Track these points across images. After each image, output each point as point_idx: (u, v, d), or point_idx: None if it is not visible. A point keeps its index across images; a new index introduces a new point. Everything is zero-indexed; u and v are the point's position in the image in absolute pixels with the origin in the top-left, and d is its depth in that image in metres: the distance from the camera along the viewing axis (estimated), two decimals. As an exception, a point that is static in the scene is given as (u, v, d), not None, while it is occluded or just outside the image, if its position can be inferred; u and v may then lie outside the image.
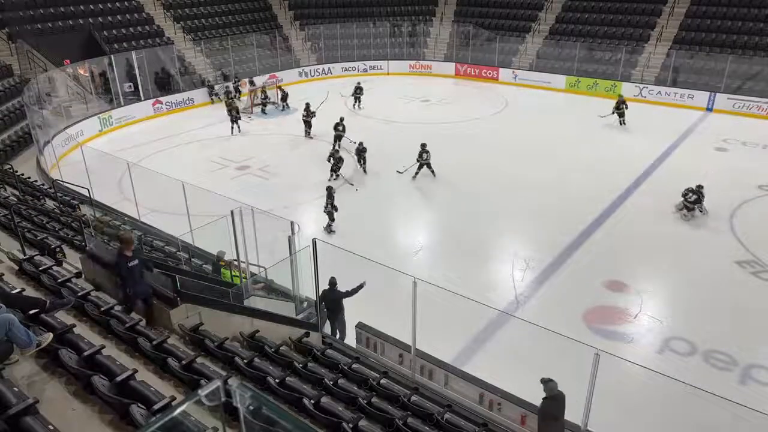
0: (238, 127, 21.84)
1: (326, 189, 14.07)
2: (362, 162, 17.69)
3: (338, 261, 9.23)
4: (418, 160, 16.81)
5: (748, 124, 22.23)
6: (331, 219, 13.95)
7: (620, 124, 21.75)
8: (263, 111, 24.55)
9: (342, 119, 19.60)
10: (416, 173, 16.93)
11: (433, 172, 16.94)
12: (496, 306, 10.47)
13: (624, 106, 21.71)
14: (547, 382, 6.69)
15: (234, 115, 21.65)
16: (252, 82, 26.25)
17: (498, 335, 10.02)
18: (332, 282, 9.05)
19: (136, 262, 6.70)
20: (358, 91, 24.74)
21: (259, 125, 23.09)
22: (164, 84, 25.75)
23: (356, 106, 24.73)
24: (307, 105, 20.90)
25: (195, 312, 7.27)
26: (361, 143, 17.72)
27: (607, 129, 21.69)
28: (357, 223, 14.26)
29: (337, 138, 19.26)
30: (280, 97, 25.08)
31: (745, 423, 6.70)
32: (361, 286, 9.06)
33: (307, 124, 21.03)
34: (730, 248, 12.94)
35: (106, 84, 24.11)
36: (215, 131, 22.28)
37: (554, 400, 6.66)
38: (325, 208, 13.89)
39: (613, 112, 21.84)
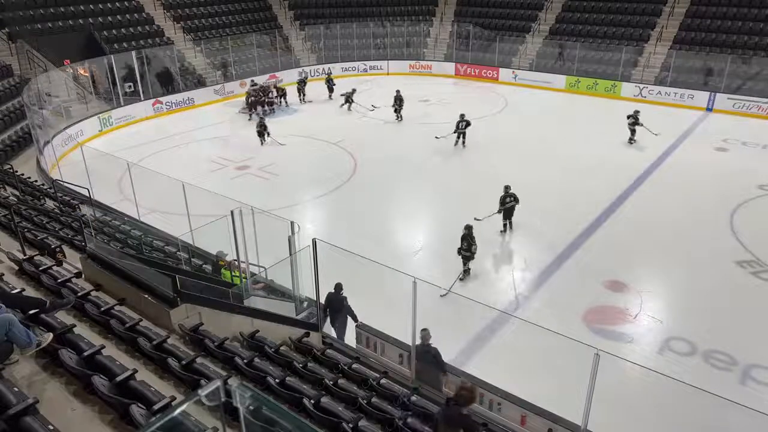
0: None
1: (465, 228, 11.61)
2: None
3: (338, 261, 9.22)
4: (455, 131, 19.15)
5: (748, 124, 22.24)
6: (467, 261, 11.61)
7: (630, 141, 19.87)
8: (264, 111, 24.49)
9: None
10: (456, 141, 19.34)
11: (464, 142, 19.33)
12: (495, 306, 10.47)
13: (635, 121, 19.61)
14: (422, 330, 7.85)
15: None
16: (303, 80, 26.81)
17: (498, 335, 10.01)
18: (337, 287, 9.06)
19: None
20: (300, 84, 26.19)
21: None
22: (164, 83, 25.73)
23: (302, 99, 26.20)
24: (398, 92, 23.59)
25: (195, 312, 7.26)
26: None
27: (606, 129, 21.67)
28: (357, 223, 14.27)
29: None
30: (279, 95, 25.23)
31: (744, 423, 6.69)
32: (356, 321, 9.06)
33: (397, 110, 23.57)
34: (730, 248, 12.93)
35: (105, 84, 24.10)
36: (215, 131, 22.29)
37: (423, 344, 7.86)
38: (465, 250, 11.51)
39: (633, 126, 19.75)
